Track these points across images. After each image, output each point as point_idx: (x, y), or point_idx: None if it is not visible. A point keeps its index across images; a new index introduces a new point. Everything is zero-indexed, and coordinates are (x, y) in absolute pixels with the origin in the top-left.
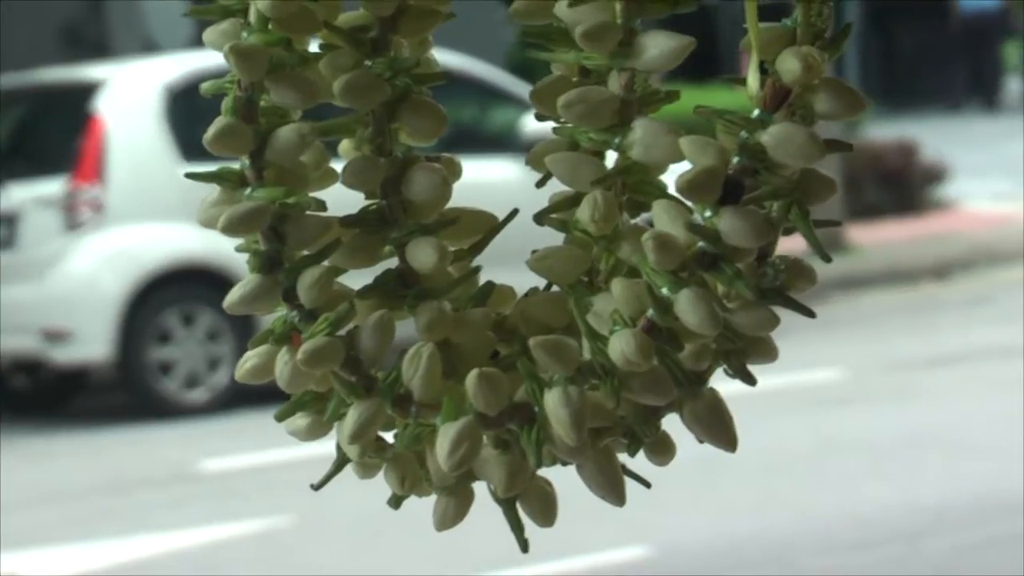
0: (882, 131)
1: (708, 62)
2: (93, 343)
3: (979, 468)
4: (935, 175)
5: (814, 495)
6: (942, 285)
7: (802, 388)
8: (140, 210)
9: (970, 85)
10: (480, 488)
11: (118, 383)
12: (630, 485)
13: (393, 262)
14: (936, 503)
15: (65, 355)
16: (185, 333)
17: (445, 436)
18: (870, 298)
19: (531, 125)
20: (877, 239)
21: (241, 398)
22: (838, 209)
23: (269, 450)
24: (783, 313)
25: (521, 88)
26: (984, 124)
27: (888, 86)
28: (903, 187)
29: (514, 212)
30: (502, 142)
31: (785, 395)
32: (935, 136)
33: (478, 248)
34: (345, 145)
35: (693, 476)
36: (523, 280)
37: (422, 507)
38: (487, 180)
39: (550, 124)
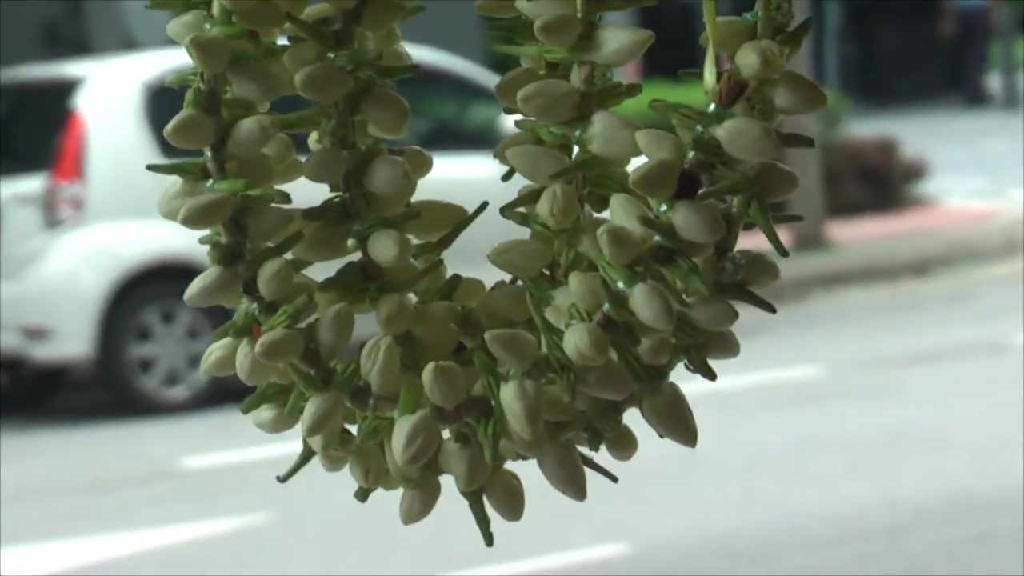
0: (862, 128)
1: (688, 59)
2: (73, 340)
3: (959, 465)
4: (915, 172)
5: (794, 492)
6: (922, 282)
7: (782, 385)
8: (120, 207)
9: (957, 81)
10: (452, 482)
11: (98, 380)
12: (610, 483)
13: (357, 256)
14: (916, 500)
15: (45, 352)
16: (165, 330)
17: (401, 429)
18: (850, 295)
19: (511, 122)
20: (857, 236)
21: (221, 395)
22: (818, 206)
23: (249, 447)
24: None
25: None
26: (963, 121)
27: (867, 83)
28: (883, 184)
29: (484, 205)
30: (482, 139)
31: (765, 392)
32: (914, 133)
33: (446, 241)
34: (314, 138)
35: (673, 473)
36: (499, 275)
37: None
38: (467, 177)
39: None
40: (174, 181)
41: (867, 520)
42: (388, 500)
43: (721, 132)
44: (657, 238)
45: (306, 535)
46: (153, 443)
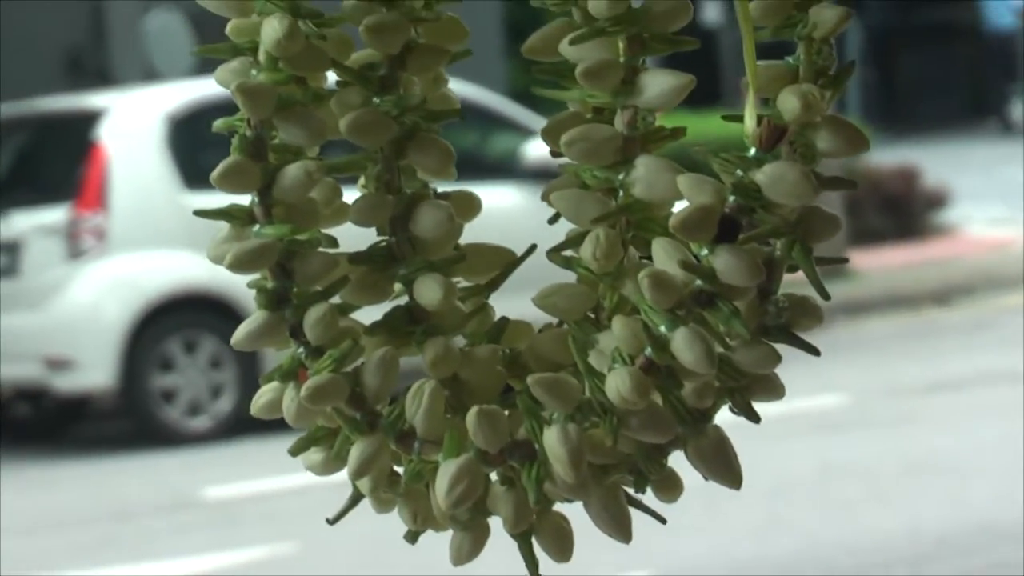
0: (883, 156)
1: (709, 91)
2: (95, 371)
3: (981, 494)
4: (936, 200)
5: (816, 520)
6: (944, 310)
7: (804, 413)
8: (142, 238)
9: (979, 108)
10: (495, 519)
11: (120, 411)
12: (633, 511)
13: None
14: (938, 529)
15: (67, 383)
16: (187, 361)
17: (445, 473)
18: (872, 323)
19: (533, 152)
20: (879, 264)
21: (243, 426)
22: (840, 234)
23: (271, 477)
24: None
25: (522, 115)
26: (984, 148)
27: (888, 110)
28: (905, 212)
29: (532, 248)
30: (504, 169)
31: (787, 420)
32: (935, 161)
33: (495, 284)
34: (362, 182)
35: (696, 501)
36: (534, 309)
37: (427, 533)
38: (488, 207)
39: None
40: (221, 227)
41: (889, 549)
42: (404, 530)
43: (761, 176)
44: (698, 282)
45: (329, 565)
46: (175, 473)
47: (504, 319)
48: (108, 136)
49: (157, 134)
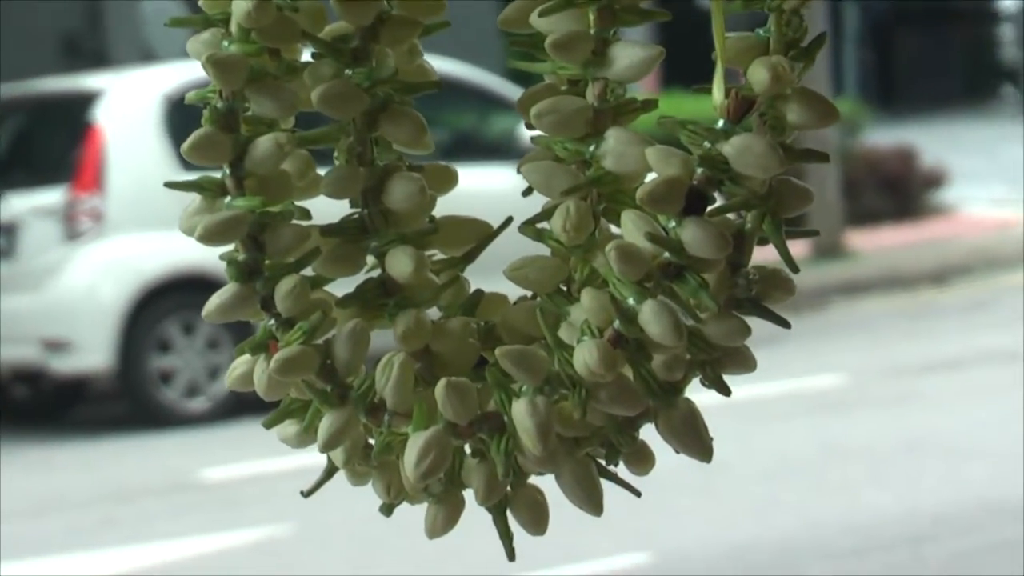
0: (881, 136)
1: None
2: (93, 352)
3: (980, 473)
4: (934, 180)
5: (815, 501)
6: (942, 290)
7: (802, 394)
8: (140, 219)
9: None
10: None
11: (118, 392)
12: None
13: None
14: (937, 508)
15: (65, 365)
16: (185, 342)
17: (413, 445)
18: (870, 303)
19: (530, 133)
20: (877, 245)
21: (241, 407)
22: (837, 215)
23: (270, 459)
24: (787, 319)
25: (519, 95)
26: (982, 129)
27: (886, 91)
28: (902, 192)
29: (508, 220)
30: (501, 149)
31: (785, 401)
32: (933, 141)
33: (470, 256)
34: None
35: (694, 482)
36: (518, 290)
37: (422, 515)
38: (486, 188)
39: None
40: (193, 198)
41: (888, 529)
42: (410, 510)
43: (728, 148)
44: (666, 254)
45: (327, 546)
46: (173, 455)
47: (479, 292)
48: (105, 118)
49: (154, 115)
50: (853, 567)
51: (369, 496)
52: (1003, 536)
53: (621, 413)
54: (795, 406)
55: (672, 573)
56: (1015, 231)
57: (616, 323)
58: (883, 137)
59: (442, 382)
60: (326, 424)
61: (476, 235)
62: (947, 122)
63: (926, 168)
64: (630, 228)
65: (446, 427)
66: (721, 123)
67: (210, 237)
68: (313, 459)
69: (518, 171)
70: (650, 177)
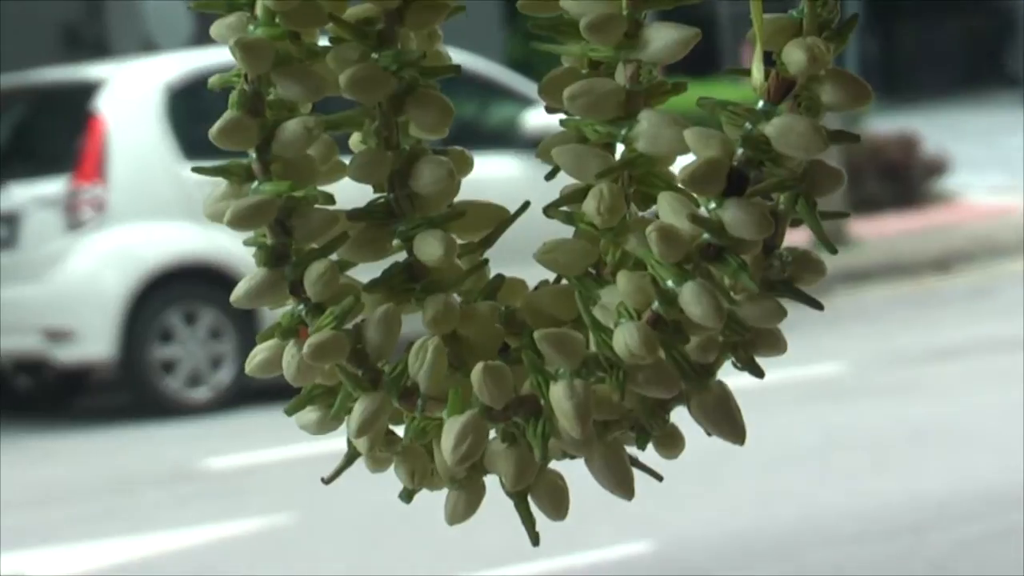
0: (883, 124)
1: (709, 56)
2: (95, 342)
3: (982, 461)
4: (936, 168)
5: (817, 489)
6: (944, 278)
7: (804, 382)
8: (141, 209)
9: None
10: (489, 481)
11: (120, 382)
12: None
13: (402, 256)
14: (940, 496)
15: (67, 354)
16: (187, 332)
17: (450, 430)
18: (872, 291)
19: (532, 121)
20: (878, 232)
21: (244, 396)
22: (840, 202)
23: (272, 448)
24: (787, 306)
25: (521, 83)
26: (984, 117)
27: (888, 79)
28: (904, 180)
29: (526, 204)
30: (503, 138)
31: (788, 389)
32: (935, 129)
33: (489, 241)
34: (355, 139)
35: (696, 470)
36: (532, 273)
37: (427, 503)
38: (488, 176)
39: (550, 120)
40: (218, 183)
41: (891, 517)
42: (413, 500)
43: (770, 129)
44: (706, 236)
45: (330, 535)
46: (176, 444)
47: (500, 276)
48: (106, 107)
49: (156, 105)
50: (856, 555)
51: (372, 485)
52: (1006, 524)
53: (658, 395)
54: (797, 394)
55: (673, 562)
56: (1017, 219)
57: (655, 305)
58: (885, 125)
59: (479, 366)
60: (360, 409)
61: (495, 220)
62: (949, 110)
63: (928, 156)
64: (667, 210)
65: (482, 411)
66: (761, 104)
67: (239, 222)
68: (316, 447)
69: (537, 156)
70: (681, 159)
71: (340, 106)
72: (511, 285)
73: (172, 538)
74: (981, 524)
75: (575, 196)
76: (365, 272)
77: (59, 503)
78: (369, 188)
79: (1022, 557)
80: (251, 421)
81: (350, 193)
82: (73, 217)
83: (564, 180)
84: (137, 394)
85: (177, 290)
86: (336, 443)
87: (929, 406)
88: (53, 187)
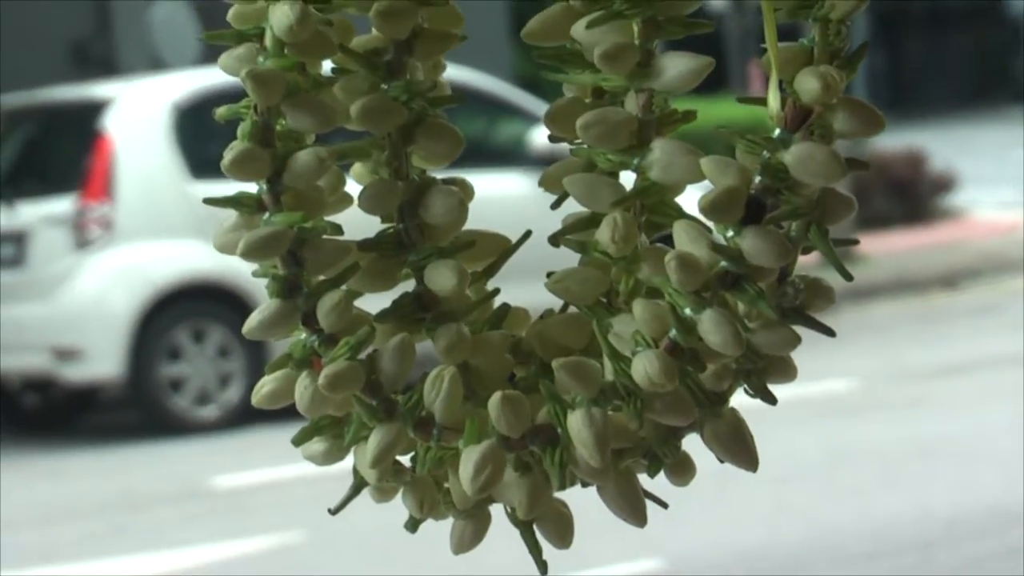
0: (890, 140)
1: (717, 73)
2: (103, 361)
3: (991, 477)
4: (943, 184)
5: (826, 506)
6: (951, 294)
7: (813, 399)
8: (149, 227)
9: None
10: (495, 507)
11: (129, 400)
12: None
13: (407, 286)
14: (948, 513)
15: (75, 373)
16: (195, 350)
17: (468, 459)
18: (879, 308)
19: (539, 139)
20: (886, 249)
21: (252, 414)
22: (847, 220)
23: (281, 466)
24: (827, 335)
25: (528, 101)
26: (990, 132)
27: (895, 95)
28: (911, 197)
29: (527, 234)
30: (510, 156)
31: (796, 406)
32: (942, 145)
33: (492, 270)
34: (358, 169)
35: (705, 488)
36: (531, 296)
37: (434, 523)
38: (495, 194)
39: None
40: (228, 215)
41: (899, 534)
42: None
43: (788, 157)
44: (723, 264)
45: (338, 553)
46: (184, 462)
47: (505, 306)
48: (114, 126)
49: (163, 123)
50: (864, 572)
51: (380, 505)
52: (1014, 541)
53: (674, 423)
54: (805, 411)
55: None
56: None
57: (672, 333)
58: (892, 141)
59: (496, 395)
60: (376, 439)
61: (498, 249)
62: (956, 125)
63: (935, 172)
64: (683, 238)
65: (499, 440)
66: (778, 132)
67: (252, 253)
68: (325, 468)
69: (541, 184)
70: (690, 188)
71: (339, 137)
72: (515, 314)
73: (180, 556)
74: (990, 541)
75: (580, 224)
76: (364, 302)
77: (67, 521)
78: (364, 218)
79: None
80: (259, 439)
81: (349, 224)
82: (81, 236)
83: (570, 207)
84: (145, 412)
85: (185, 308)
86: (345, 462)
87: (937, 422)
88: (61, 206)
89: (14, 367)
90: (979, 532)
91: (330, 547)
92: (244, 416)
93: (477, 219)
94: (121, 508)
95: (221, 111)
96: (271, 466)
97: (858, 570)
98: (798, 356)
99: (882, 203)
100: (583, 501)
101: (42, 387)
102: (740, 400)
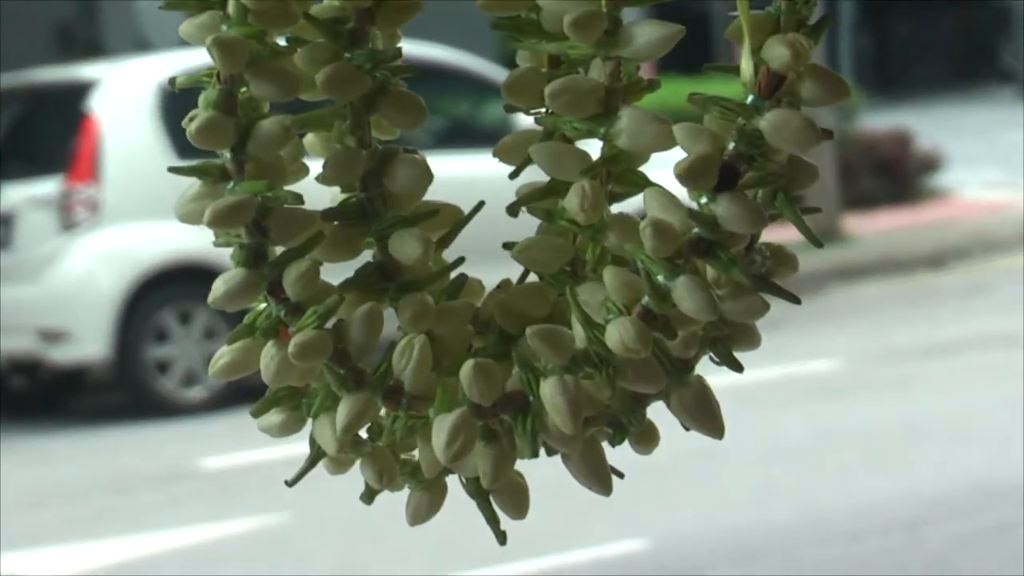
0: (877, 120)
1: (704, 53)
2: (90, 342)
3: (977, 457)
4: (930, 164)
5: (812, 486)
6: (939, 274)
7: (800, 379)
8: (136, 209)
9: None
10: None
11: (116, 382)
12: (629, 480)
13: (366, 257)
14: (935, 492)
15: (62, 355)
16: (182, 331)
17: (441, 428)
18: (867, 288)
19: (523, 120)
20: (873, 229)
21: (239, 396)
22: (833, 199)
23: (267, 447)
24: (781, 304)
25: None
26: (977, 113)
27: (882, 75)
28: (898, 176)
29: (480, 204)
30: (496, 136)
31: (783, 386)
32: (929, 125)
33: (446, 241)
34: (311, 139)
35: (691, 468)
36: (497, 274)
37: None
38: (482, 174)
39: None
40: (191, 184)
41: (886, 513)
42: (405, 500)
43: (763, 123)
44: (697, 230)
45: (324, 534)
46: (171, 444)
47: (463, 276)
48: (100, 107)
49: (149, 105)
50: (851, 551)
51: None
52: (1001, 519)
53: (644, 391)
54: (792, 391)
55: (668, 559)
56: (1012, 214)
57: (645, 300)
58: (879, 121)
59: (469, 363)
60: (346, 408)
61: (451, 220)
62: (943, 106)
63: (922, 152)
64: (655, 205)
65: (471, 408)
66: (751, 98)
67: (218, 221)
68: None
69: (496, 155)
70: (656, 156)
71: (295, 107)
72: (470, 285)
73: (167, 538)
74: (976, 519)
75: (539, 194)
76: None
77: (54, 503)
78: (322, 189)
79: (1018, 552)
80: (246, 421)
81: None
82: (67, 217)
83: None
84: (132, 394)
85: (171, 290)
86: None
87: (924, 402)
88: (47, 187)
89: (1, 349)
90: (966, 511)
91: (317, 528)
92: (231, 398)
93: (463, 199)
94: (108, 490)
95: (181, 80)
96: (258, 448)
97: (845, 549)
98: (785, 336)
99: (869, 183)
100: (568, 482)
101: (29, 369)
102: (726, 379)
